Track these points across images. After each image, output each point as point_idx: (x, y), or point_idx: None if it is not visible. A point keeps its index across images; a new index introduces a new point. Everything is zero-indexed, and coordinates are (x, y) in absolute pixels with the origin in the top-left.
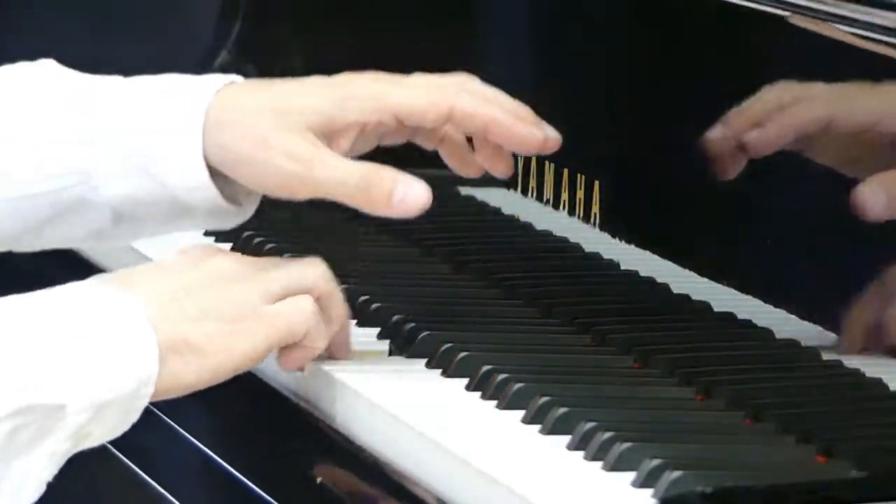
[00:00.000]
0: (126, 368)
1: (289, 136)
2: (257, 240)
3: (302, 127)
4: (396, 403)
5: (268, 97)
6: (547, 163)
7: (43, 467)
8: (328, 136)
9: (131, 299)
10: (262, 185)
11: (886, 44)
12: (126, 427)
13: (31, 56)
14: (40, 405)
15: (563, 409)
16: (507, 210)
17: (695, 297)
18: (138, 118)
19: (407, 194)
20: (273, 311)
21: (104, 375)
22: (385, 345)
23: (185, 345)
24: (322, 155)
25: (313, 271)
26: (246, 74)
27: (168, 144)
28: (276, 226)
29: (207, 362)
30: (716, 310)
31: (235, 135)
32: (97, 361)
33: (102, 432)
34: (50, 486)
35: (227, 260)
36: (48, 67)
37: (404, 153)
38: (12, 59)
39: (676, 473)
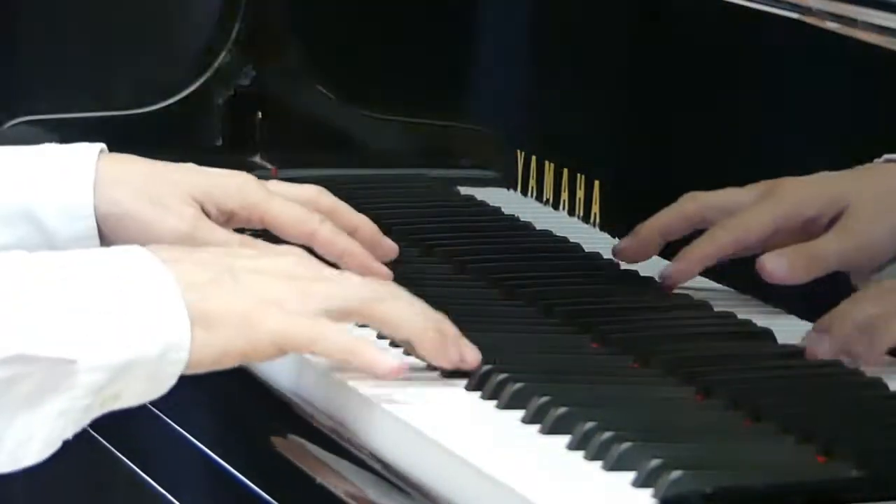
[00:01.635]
0: (149, 329)
1: (178, 200)
2: None
3: (188, 198)
4: (396, 403)
5: (156, 166)
6: (547, 163)
7: (52, 425)
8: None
9: (161, 266)
10: (145, 241)
11: (887, 44)
12: (160, 392)
13: (33, 57)
14: (44, 358)
15: (562, 409)
16: (507, 210)
17: (695, 297)
18: (26, 170)
19: None
20: (293, 319)
21: (123, 335)
22: (384, 344)
23: (205, 316)
24: (205, 220)
25: (362, 293)
26: (246, 74)
27: (58, 192)
28: None
29: (225, 336)
30: (716, 310)
31: (129, 191)
32: (115, 320)
33: (132, 396)
34: (50, 485)
35: (289, 259)
36: None
37: (404, 152)
38: (13, 59)
39: (676, 473)
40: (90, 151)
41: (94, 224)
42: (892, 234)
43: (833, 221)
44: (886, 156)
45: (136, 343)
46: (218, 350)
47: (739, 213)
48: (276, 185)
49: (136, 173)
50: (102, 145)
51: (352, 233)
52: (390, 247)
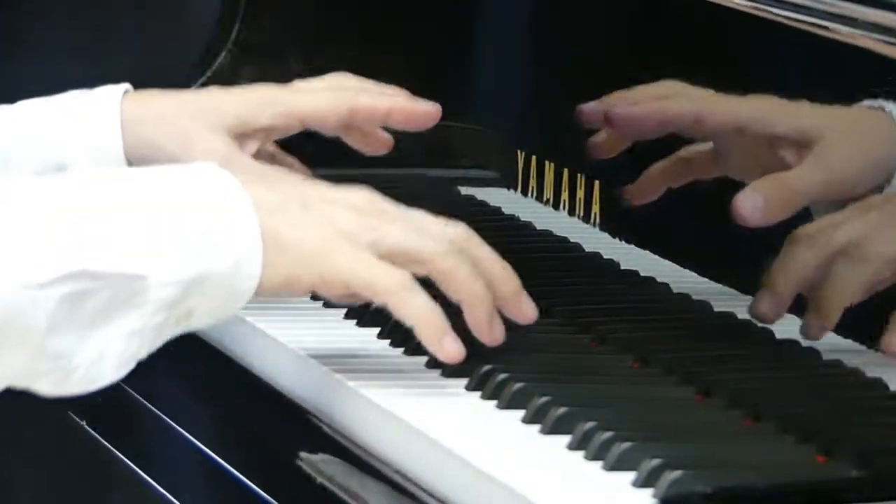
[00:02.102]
0: (220, 244)
1: (208, 133)
2: None
3: (219, 126)
4: (396, 402)
5: (182, 98)
6: (547, 163)
7: (125, 343)
8: (239, 138)
9: (235, 183)
10: None
11: (887, 43)
12: (233, 310)
13: (33, 57)
14: (113, 273)
15: (563, 409)
16: (507, 210)
17: (695, 297)
18: (53, 124)
19: None
20: (367, 261)
21: (193, 249)
22: (385, 344)
23: (276, 239)
24: (238, 154)
25: (433, 246)
26: (246, 74)
27: (87, 140)
28: None
29: (295, 262)
30: (716, 310)
31: (157, 129)
32: (186, 235)
33: (206, 311)
34: (51, 485)
35: (362, 194)
36: None
37: (404, 152)
38: (13, 59)
39: (676, 473)
40: (114, 94)
41: (126, 166)
42: (861, 174)
43: (799, 152)
44: (867, 102)
45: (206, 257)
46: (287, 274)
47: (712, 98)
48: (299, 84)
49: (161, 108)
50: (127, 86)
51: None
52: (429, 106)
